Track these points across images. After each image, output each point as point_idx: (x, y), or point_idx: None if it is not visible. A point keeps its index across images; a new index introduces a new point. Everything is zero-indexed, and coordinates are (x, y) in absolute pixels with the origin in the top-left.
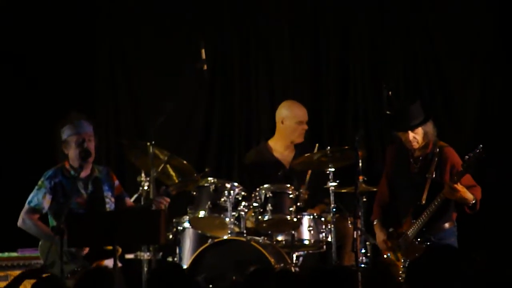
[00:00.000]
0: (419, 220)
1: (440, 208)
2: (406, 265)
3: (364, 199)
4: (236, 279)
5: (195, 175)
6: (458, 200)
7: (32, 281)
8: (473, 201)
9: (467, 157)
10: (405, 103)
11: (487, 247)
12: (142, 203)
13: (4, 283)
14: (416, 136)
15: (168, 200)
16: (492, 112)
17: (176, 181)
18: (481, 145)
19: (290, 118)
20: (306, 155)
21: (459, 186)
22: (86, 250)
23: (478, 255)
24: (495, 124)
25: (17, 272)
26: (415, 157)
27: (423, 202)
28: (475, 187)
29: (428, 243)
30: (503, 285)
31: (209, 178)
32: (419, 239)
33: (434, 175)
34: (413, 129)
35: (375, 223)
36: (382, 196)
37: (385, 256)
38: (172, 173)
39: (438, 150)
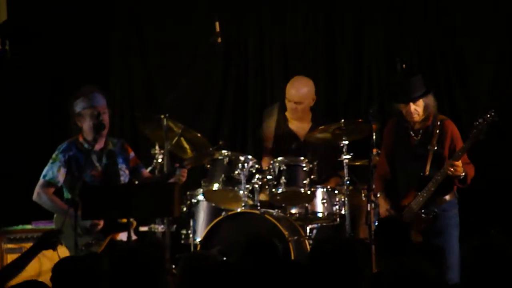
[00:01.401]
0: (424, 192)
1: (443, 180)
2: None
3: None
4: None
5: (210, 149)
6: (449, 174)
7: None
8: (463, 174)
9: (477, 122)
10: (406, 75)
11: (487, 219)
12: (157, 174)
13: (18, 255)
14: (417, 108)
15: (186, 171)
16: (507, 87)
17: (190, 154)
18: (493, 110)
19: (286, 95)
20: (320, 128)
21: (458, 163)
22: (101, 225)
23: (493, 229)
24: (510, 99)
25: (31, 245)
26: (416, 130)
27: (427, 173)
28: (469, 164)
29: (434, 214)
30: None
31: (223, 151)
32: (423, 211)
33: (436, 148)
34: (414, 101)
35: (378, 195)
36: (382, 171)
37: None
38: (186, 145)
39: (439, 123)
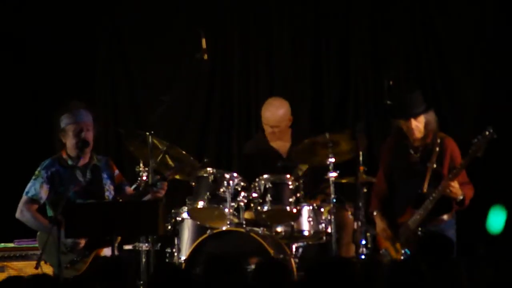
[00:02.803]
0: (421, 210)
1: (439, 200)
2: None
3: (365, 190)
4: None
5: (191, 158)
6: (447, 195)
7: None
8: (461, 197)
9: (475, 140)
10: (404, 92)
11: (486, 240)
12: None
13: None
14: (418, 125)
15: (166, 184)
16: (494, 98)
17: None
18: (490, 127)
19: (262, 119)
20: (305, 141)
21: (454, 183)
22: (83, 243)
23: (479, 247)
24: (497, 110)
25: (13, 263)
26: (415, 147)
27: (424, 191)
28: (468, 185)
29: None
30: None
31: (208, 169)
32: (420, 229)
33: (435, 165)
34: (416, 116)
35: (375, 213)
36: (380, 189)
37: (382, 248)
38: (170, 163)
39: (439, 140)
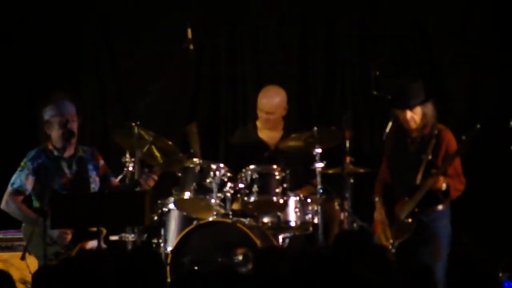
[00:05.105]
0: (410, 201)
1: (431, 190)
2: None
3: (352, 181)
4: (222, 261)
5: (180, 154)
6: (432, 187)
7: None
8: (444, 187)
9: (463, 137)
10: (406, 81)
11: (478, 230)
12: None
13: None
14: (414, 116)
15: (156, 177)
16: (482, 95)
17: (161, 161)
18: (478, 125)
19: (258, 105)
20: (292, 135)
21: (440, 178)
22: (68, 238)
23: (465, 236)
24: (485, 107)
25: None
26: (413, 138)
27: (418, 182)
28: (458, 177)
29: (416, 224)
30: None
31: (195, 159)
32: (409, 219)
33: (430, 157)
34: (411, 108)
35: (376, 199)
36: (383, 176)
37: (376, 234)
38: (157, 154)
39: (436, 132)
